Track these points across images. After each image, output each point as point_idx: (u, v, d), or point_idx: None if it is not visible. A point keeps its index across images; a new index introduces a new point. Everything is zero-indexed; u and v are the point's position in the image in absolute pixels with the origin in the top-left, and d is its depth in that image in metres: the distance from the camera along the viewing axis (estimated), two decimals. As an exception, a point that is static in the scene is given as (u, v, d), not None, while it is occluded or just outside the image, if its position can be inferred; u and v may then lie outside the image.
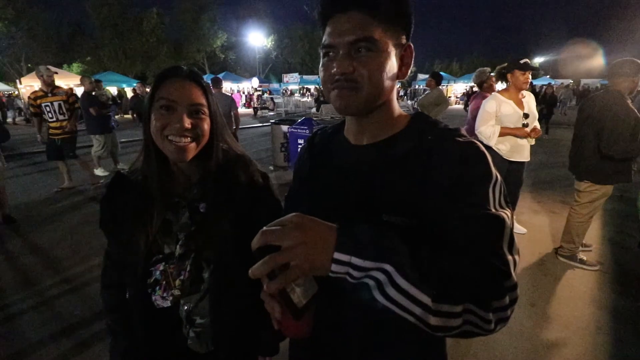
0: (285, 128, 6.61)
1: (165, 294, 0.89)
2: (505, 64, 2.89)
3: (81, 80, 5.72)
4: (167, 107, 0.79)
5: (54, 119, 4.67)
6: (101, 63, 28.00)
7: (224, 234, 0.89)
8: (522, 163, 3.11)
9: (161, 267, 0.88)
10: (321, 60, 0.66)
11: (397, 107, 0.71)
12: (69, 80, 17.92)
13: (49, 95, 4.59)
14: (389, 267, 0.47)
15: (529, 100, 2.96)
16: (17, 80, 17.92)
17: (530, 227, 3.76)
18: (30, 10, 24.83)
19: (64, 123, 4.75)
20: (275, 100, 18.53)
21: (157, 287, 0.88)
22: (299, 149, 6.06)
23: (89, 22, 29.38)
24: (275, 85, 28.49)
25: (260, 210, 0.94)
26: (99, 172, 6.16)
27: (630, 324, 2.25)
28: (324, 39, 0.64)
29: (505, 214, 0.56)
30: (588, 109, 2.70)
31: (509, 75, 2.84)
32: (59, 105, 4.63)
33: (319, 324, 0.64)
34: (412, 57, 0.68)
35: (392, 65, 0.63)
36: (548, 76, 38.77)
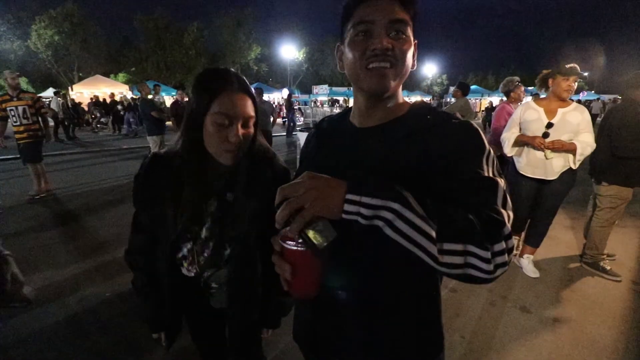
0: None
1: (190, 267, 1.02)
2: (550, 70, 2.67)
3: (140, 86, 6.22)
4: (224, 123, 0.86)
5: (18, 123, 4.70)
6: (144, 73, 29.99)
7: (247, 221, 0.99)
8: (543, 182, 2.70)
9: (189, 246, 1.00)
10: (350, 39, 0.70)
11: (401, 95, 0.78)
12: (115, 89, 19.41)
13: (14, 99, 4.66)
14: (397, 205, 0.53)
15: (571, 113, 2.54)
16: (69, 87, 19.51)
17: (561, 243, 3.59)
18: (84, 24, 27.23)
19: (29, 127, 4.75)
20: (304, 111, 18.94)
21: (184, 261, 1.02)
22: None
23: (135, 35, 31.77)
24: (304, 97, 29.05)
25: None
26: None
27: (666, 347, 2.08)
28: (357, 16, 0.67)
29: (499, 180, 0.62)
30: (606, 117, 2.89)
31: (550, 81, 2.59)
32: (24, 109, 4.68)
33: (324, 288, 0.68)
34: (417, 54, 0.74)
35: (412, 53, 0.70)
36: (593, 91, 36.77)
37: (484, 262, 0.53)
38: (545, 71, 2.72)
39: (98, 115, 14.56)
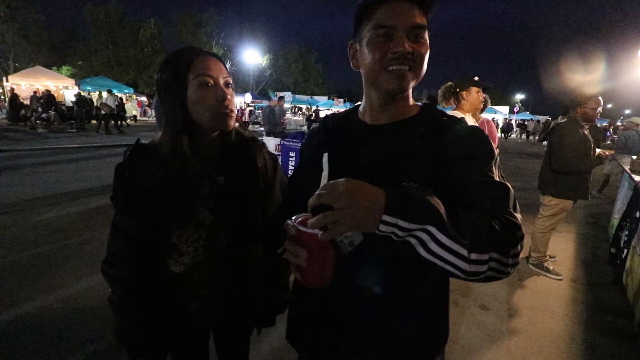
0: (277, 141, 6.72)
1: (180, 259, 0.94)
2: (455, 82, 2.65)
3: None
4: (209, 83, 0.86)
5: None
6: (93, 68, 27.78)
7: (241, 206, 0.96)
8: None
9: (178, 233, 0.93)
10: (369, 40, 0.70)
11: (411, 97, 0.80)
12: (58, 82, 17.73)
13: None
14: (432, 227, 0.54)
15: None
16: (4, 78, 17.47)
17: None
18: (25, 9, 24.66)
19: None
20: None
21: (173, 253, 0.94)
22: (290, 162, 6.19)
23: (84, 27, 29.44)
24: (266, 102, 28.87)
25: (271, 190, 1.04)
26: None
27: (601, 336, 2.36)
28: (378, 18, 0.68)
29: (509, 184, 0.67)
30: (550, 135, 3.19)
31: (464, 94, 2.62)
32: None
33: (333, 286, 0.66)
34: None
35: (428, 55, 0.72)
36: (528, 112, 40.84)
37: (504, 265, 0.58)
38: (448, 84, 2.69)
39: (40, 110, 13.14)
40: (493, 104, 40.38)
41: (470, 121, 2.58)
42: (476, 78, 2.60)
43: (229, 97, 0.88)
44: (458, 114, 2.59)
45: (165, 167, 0.89)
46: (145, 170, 0.90)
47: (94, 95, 18.33)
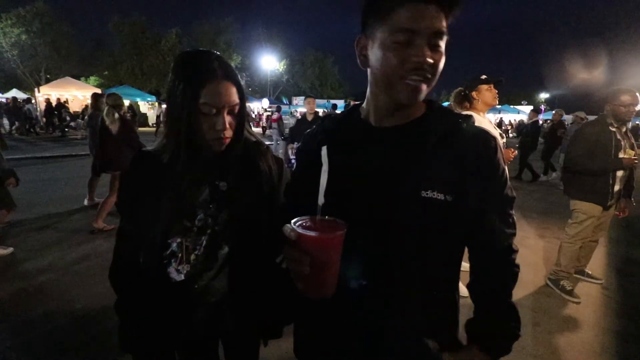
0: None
1: (180, 267, 0.92)
2: (462, 87, 2.63)
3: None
4: (211, 112, 0.83)
5: None
6: (118, 77, 28.95)
7: (244, 212, 0.93)
8: None
9: (178, 240, 0.91)
10: (386, 43, 0.63)
11: None
12: (85, 92, 18.55)
13: None
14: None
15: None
16: (36, 89, 18.43)
17: (536, 250, 3.76)
18: (55, 24, 26.04)
19: None
20: (284, 121, 18.94)
21: (173, 260, 0.92)
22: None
23: (110, 39, 30.77)
24: (284, 107, 29.17)
25: (276, 195, 1.00)
26: None
27: (635, 346, 2.22)
28: (399, 20, 0.61)
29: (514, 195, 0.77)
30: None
31: (474, 94, 2.57)
32: None
33: (340, 293, 0.64)
34: None
35: None
36: (553, 111, 39.20)
37: None
38: (458, 89, 2.71)
39: (68, 118, 13.80)
40: (516, 103, 39.17)
41: (485, 122, 2.54)
42: (483, 76, 2.54)
43: (227, 126, 0.86)
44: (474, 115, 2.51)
45: (166, 174, 0.88)
46: (148, 178, 0.89)
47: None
